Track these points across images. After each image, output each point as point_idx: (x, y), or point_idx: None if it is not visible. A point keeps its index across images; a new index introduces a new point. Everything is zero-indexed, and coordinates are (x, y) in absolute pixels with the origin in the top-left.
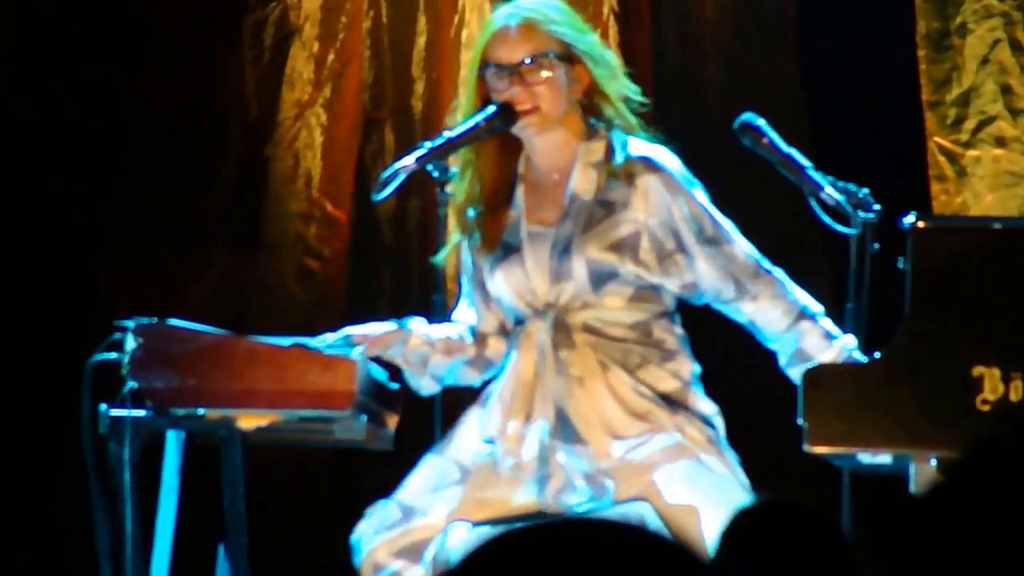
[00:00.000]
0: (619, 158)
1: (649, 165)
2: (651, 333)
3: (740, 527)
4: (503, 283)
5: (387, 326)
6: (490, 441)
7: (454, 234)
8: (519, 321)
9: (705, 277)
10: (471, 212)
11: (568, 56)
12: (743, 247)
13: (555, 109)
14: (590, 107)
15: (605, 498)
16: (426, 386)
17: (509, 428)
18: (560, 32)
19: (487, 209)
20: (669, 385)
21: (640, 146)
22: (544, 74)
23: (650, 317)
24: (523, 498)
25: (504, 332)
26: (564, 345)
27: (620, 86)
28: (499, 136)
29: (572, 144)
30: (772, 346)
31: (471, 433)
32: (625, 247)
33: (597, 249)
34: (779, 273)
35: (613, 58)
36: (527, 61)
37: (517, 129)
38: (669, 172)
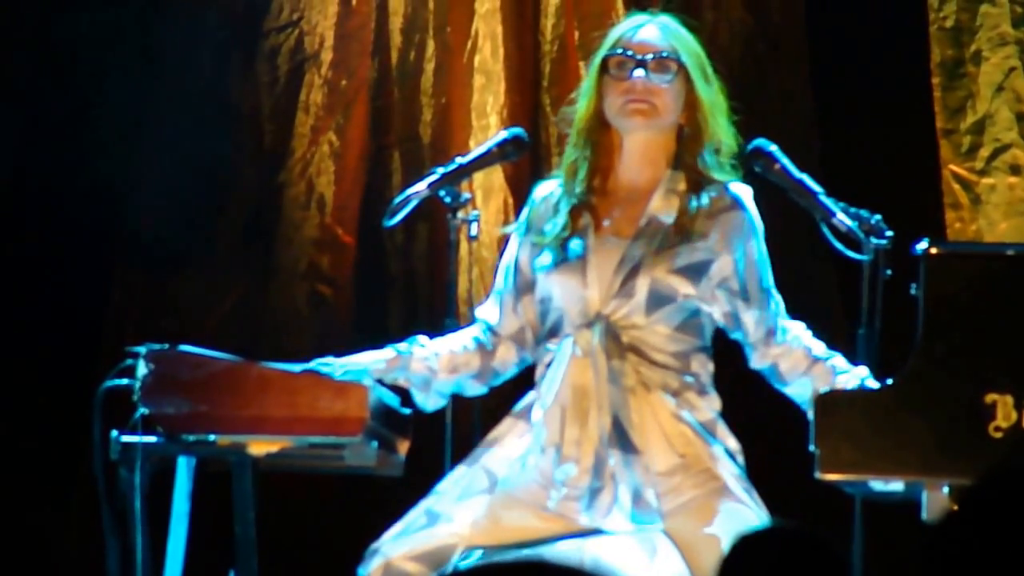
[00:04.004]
0: (706, 189)
1: (735, 202)
2: (690, 365)
3: (742, 552)
4: (558, 286)
5: (388, 353)
6: (543, 450)
7: (515, 225)
8: (555, 330)
9: (751, 322)
10: (577, 193)
11: (687, 76)
12: (779, 297)
13: (666, 112)
14: (685, 136)
15: (652, 519)
16: (432, 403)
17: (568, 435)
18: (689, 55)
19: (584, 199)
20: (704, 416)
21: (727, 183)
22: (667, 77)
23: (690, 349)
24: (544, 524)
25: (520, 340)
26: (615, 356)
27: (721, 127)
28: (609, 136)
29: (661, 164)
30: (791, 390)
31: (507, 443)
32: (692, 272)
33: (665, 271)
34: (798, 323)
35: (724, 105)
36: (652, 57)
37: (623, 117)
38: (751, 214)
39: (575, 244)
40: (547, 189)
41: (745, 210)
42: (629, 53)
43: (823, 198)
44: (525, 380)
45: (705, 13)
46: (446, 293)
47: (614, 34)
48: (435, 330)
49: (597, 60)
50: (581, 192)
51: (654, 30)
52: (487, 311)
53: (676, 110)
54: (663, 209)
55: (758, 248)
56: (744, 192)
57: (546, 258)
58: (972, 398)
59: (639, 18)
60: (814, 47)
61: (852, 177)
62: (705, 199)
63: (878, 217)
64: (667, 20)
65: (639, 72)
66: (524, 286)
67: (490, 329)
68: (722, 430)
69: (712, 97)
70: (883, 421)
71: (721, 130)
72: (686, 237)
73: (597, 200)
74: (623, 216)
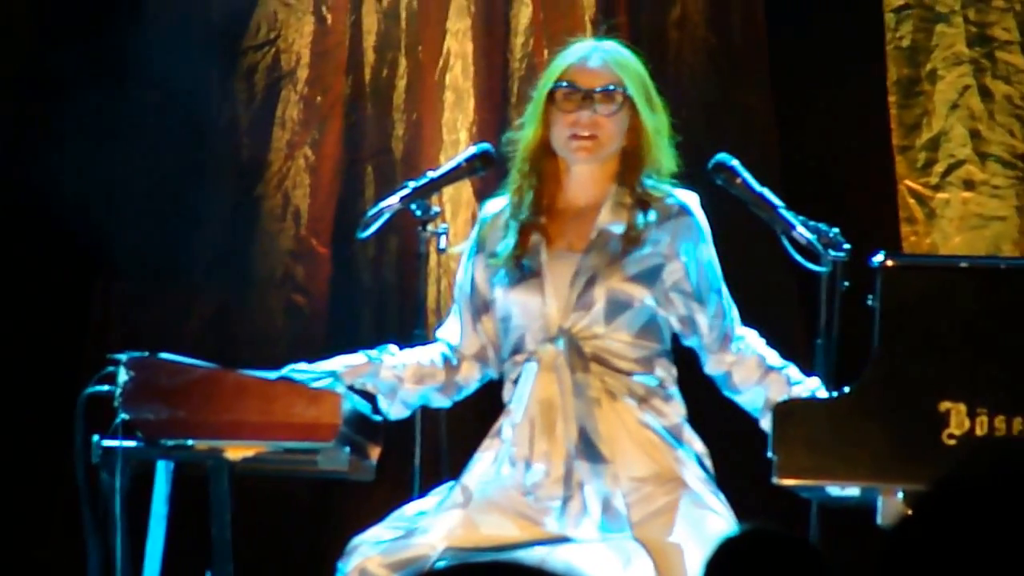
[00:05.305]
0: (652, 198)
1: (682, 210)
2: (653, 370)
3: (724, 556)
4: (518, 304)
5: (359, 358)
6: (515, 463)
7: (465, 245)
8: (518, 347)
9: (704, 325)
10: (524, 216)
11: (632, 104)
12: (732, 303)
13: (610, 143)
14: (628, 157)
15: (620, 527)
16: (396, 412)
17: (537, 448)
18: (634, 84)
19: (531, 220)
20: (671, 421)
21: (673, 191)
22: (612, 108)
23: (652, 354)
24: (521, 530)
25: (482, 358)
26: (579, 368)
27: (662, 151)
28: (555, 162)
29: (606, 183)
30: (743, 399)
31: (483, 462)
32: (646, 278)
33: (620, 279)
34: (752, 331)
35: (667, 127)
36: (599, 90)
37: (567, 152)
38: (697, 219)
39: (529, 261)
40: (496, 207)
41: (692, 215)
42: (576, 87)
43: (783, 211)
44: (493, 391)
45: (670, 32)
46: (416, 303)
47: (559, 64)
48: (405, 338)
49: (543, 90)
50: (528, 215)
51: (599, 60)
52: (448, 332)
53: (620, 138)
54: (612, 220)
55: (707, 252)
56: (690, 198)
57: (502, 278)
58: (926, 406)
59: (584, 46)
60: (775, 66)
61: (811, 191)
62: (652, 209)
63: (836, 230)
64: (612, 47)
65: (585, 105)
66: (482, 306)
67: (453, 349)
68: (688, 434)
69: (655, 123)
70: (840, 428)
71: (662, 154)
72: (636, 245)
73: (546, 219)
74: (573, 231)
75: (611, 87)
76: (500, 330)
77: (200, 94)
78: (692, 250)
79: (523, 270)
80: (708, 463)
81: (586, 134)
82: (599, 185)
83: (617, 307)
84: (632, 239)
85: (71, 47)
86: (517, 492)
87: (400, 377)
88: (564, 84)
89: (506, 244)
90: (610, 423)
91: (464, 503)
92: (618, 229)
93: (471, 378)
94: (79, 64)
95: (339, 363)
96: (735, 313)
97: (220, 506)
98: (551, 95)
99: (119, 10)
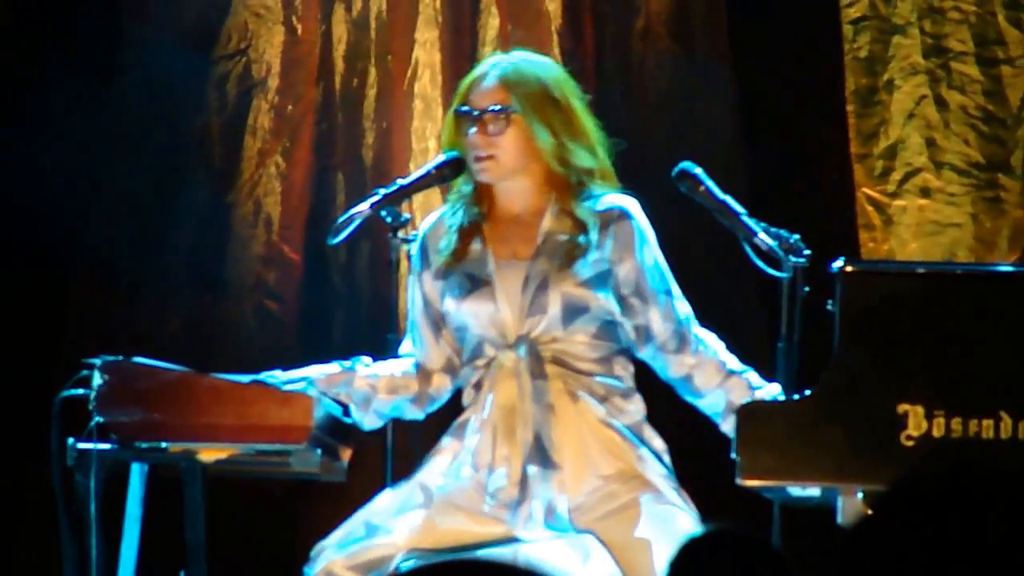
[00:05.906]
0: (591, 206)
1: (622, 214)
2: (613, 369)
3: (687, 556)
4: (472, 314)
5: (333, 368)
6: (478, 469)
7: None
8: (477, 353)
9: (656, 325)
10: (471, 213)
11: (530, 118)
12: (686, 304)
13: (511, 161)
14: (551, 166)
15: (563, 529)
16: (369, 422)
17: (499, 452)
18: (526, 100)
19: (471, 223)
20: (630, 419)
21: (612, 196)
22: (503, 126)
23: (611, 353)
24: (481, 528)
25: (451, 369)
26: (538, 374)
27: (578, 156)
28: None
29: (542, 192)
30: (703, 402)
31: (442, 461)
32: (597, 283)
33: (572, 285)
34: (710, 333)
35: (581, 130)
36: (488, 110)
37: (475, 173)
38: (638, 223)
39: (477, 271)
40: (431, 219)
41: (632, 219)
42: (469, 110)
43: (745, 218)
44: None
45: (634, 43)
46: (387, 309)
47: (462, 85)
48: (376, 343)
49: (450, 114)
50: (467, 219)
51: (493, 78)
52: (412, 349)
53: (522, 153)
54: (556, 227)
55: (651, 253)
56: (629, 203)
57: (452, 289)
58: (885, 408)
59: (485, 64)
60: (738, 75)
61: (772, 199)
62: (593, 216)
63: (797, 237)
64: (512, 61)
65: (475, 128)
66: (439, 319)
67: (417, 365)
68: (648, 432)
69: (551, 137)
70: (801, 430)
71: (579, 158)
72: (582, 250)
73: (487, 226)
74: (517, 237)
75: (496, 107)
76: (456, 339)
77: (172, 103)
78: (635, 253)
79: (472, 280)
80: (667, 459)
81: (484, 154)
82: (533, 195)
83: (573, 311)
84: (577, 245)
85: (45, 54)
86: (477, 493)
87: (374, 387)
88: (461, 107)
89: (448, 241)
90: (568, 428)
91: (425, 503)
92: (564, 236)
93: (443, 389)
94: (53, 71)
95: (313, 372)
96: (690, 314)
97: (194, 507)
98: (456, 118)
99: (93, 20)
